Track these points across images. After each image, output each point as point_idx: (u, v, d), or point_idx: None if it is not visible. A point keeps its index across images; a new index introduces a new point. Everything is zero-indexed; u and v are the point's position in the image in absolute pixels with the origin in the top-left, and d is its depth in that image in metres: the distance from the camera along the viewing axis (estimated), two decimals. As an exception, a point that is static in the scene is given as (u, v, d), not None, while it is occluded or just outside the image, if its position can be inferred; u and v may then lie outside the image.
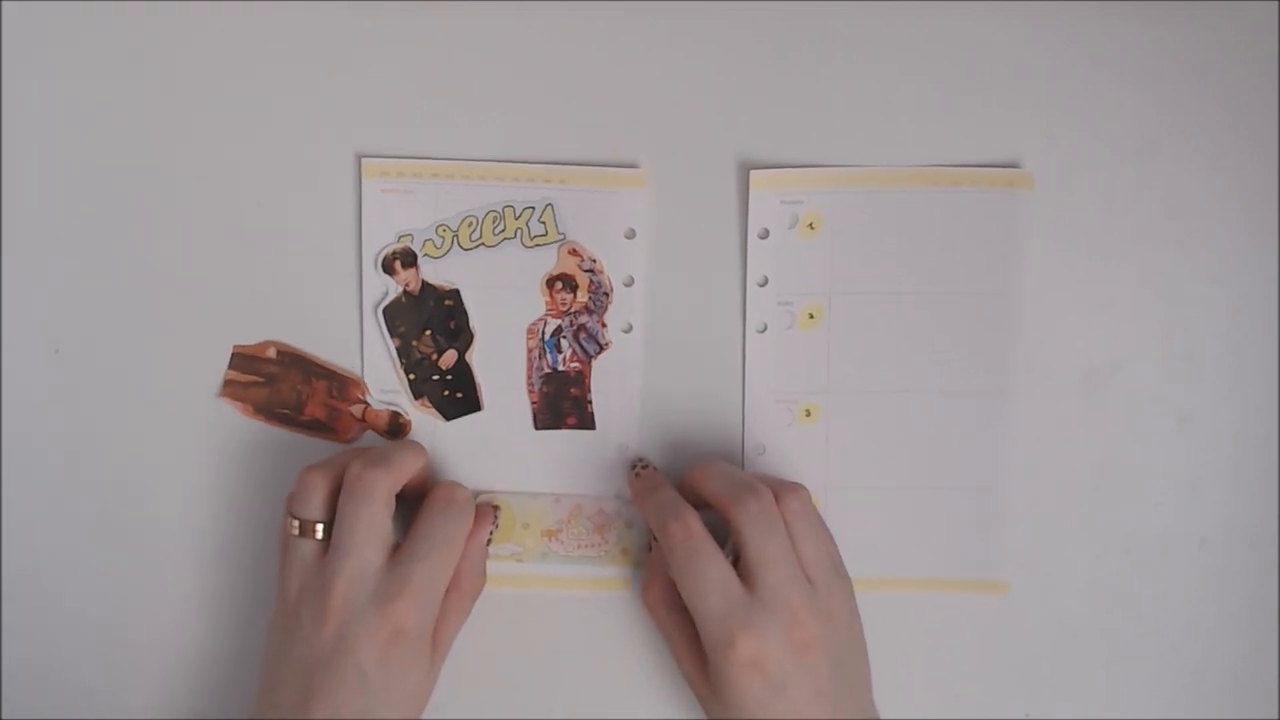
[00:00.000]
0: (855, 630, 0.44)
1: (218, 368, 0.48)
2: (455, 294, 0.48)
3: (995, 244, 0.48)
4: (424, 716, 0.44)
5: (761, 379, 0.49)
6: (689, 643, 0.44)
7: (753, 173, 0.48)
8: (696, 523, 0.43)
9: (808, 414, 0.49)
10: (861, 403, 0.49)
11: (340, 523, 0.42)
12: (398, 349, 0.48)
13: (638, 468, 0.48)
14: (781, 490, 0.44)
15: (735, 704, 0.41)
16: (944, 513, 0.49)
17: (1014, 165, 0.48)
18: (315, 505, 0.43)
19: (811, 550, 0.43)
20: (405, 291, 0.48)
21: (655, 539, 0.45)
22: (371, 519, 0.42)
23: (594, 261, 0.48)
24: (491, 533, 0.48)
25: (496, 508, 0.48)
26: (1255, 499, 0.50)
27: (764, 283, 0.48)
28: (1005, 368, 0.49)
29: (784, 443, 0.49)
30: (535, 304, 0.48)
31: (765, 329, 0.49)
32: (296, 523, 0.43)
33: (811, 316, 0.49)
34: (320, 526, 0.43)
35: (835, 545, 0.45)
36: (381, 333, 0.48)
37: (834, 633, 0.42)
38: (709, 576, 0.42)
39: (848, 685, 0.42)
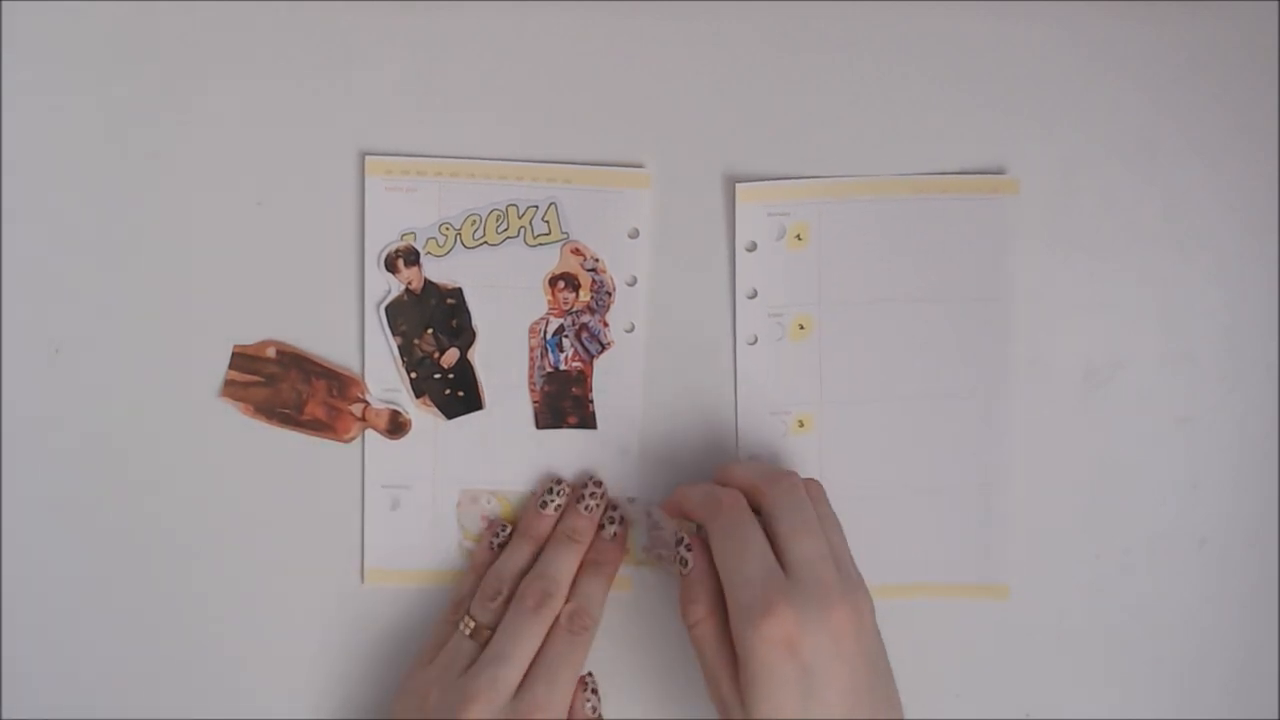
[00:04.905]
0: (878, 634, 0.42)
1: (218, 368, 0.48)
2: (458, 292, 0.48)
3: (982, 249, 0.48)
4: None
5: (754, 392, 0.49)
6: (728, 663, 0.41)
7: (738, 186, 0.48)
8: (743, 500, 0.43)
9: (801, 425, 0.49)
10: (854, 412, 0.49)
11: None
12: (399, 347, 0.48)
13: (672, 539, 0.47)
14: (806, 480, 0.44)
15: (765, 700, 0.38)
16: (942, 518, 0.49)
17: (1006, 168, 0.48)
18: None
19: (837, 540, 0.43)
20: (407, 290, 0.48)
21: (677, 558, 0.44)
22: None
23: (597, 261, 0.48)
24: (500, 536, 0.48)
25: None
26: (1255, 499, 0.50)
27: (753, 295, 0.48)
28: (997, 372, 0.49)
29: (779, 454, 0.49)
30: (538, 303, 0.48)
31: (756, 341, 0.49)
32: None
33: (802, 327, 0.49)
34: None
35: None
36: (383, 331, 0.48)
37: (865, 627, 0.41)
38: (751, 543, 0.41)
39: (883, 691, 0.40)
